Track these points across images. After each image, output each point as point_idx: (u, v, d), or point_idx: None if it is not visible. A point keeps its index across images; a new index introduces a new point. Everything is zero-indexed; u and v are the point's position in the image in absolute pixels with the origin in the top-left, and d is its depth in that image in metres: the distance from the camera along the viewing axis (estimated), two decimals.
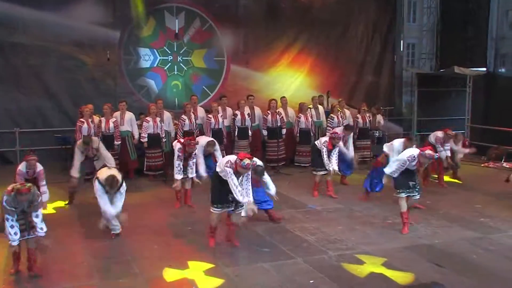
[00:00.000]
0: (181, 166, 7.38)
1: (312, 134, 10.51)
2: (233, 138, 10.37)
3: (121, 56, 11.73)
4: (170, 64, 12.16)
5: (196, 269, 5.48)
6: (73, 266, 5.53)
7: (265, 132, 10.43)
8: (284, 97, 11.18)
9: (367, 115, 10.89)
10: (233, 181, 5.62)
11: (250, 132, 10.28)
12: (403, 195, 6.43)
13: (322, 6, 13.04)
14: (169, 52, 12.11)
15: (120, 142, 9.54)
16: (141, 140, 9.63)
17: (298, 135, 10.51)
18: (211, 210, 5.93)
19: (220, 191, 5.84)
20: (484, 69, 12.45)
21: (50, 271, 5.36)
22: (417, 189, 6.52)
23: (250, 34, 12.59)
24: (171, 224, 7.14)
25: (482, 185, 9.39)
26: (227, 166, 5.66)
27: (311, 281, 5.19)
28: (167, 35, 12.05)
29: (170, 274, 5.31)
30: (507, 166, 10.91)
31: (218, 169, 5.89)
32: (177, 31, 12.04)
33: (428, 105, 13.72)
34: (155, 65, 12.05)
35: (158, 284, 5.20)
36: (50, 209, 7.57)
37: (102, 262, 5.71)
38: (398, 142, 7.83)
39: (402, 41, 14.30)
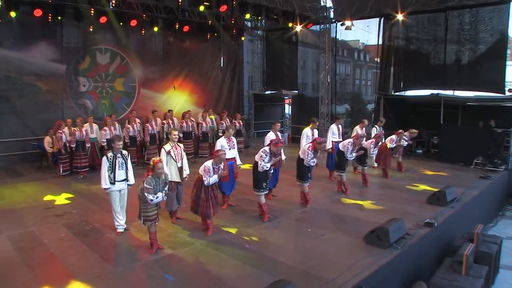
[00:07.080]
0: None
1: (209, 135, 16.37)
2: (161, 138, 15.64)
3: (67, 83, 15.87)
4: (100, 88, 16.77)
5: (230, 231, 7.14)
6: None
7: (181, 135, 15.76)
8: (189, 110, 16.68)
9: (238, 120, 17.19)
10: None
11: None
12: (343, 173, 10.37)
13: (196, 50, 19.41)
14: (99, 80, 16.73)
15: (90, 146, 13.55)
16: (101, 144, 13.74)
17: (200, 135, 16.16)
18: (257, 193, 8.00)
19: (260, 180, 7.94)
20: (296, 91, 20.62)
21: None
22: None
23: (152, 67, 18.10)
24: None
25: None
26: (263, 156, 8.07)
27: (309, 230, 6.94)
28: (98, 67, 16.66)
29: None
30: None
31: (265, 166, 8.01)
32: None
33: (259, 113, 21.38)
34: (90, 90, 16.52)
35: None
36: (62, 199, 9.43)
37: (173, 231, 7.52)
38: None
39: (243, 73, 21.73)
